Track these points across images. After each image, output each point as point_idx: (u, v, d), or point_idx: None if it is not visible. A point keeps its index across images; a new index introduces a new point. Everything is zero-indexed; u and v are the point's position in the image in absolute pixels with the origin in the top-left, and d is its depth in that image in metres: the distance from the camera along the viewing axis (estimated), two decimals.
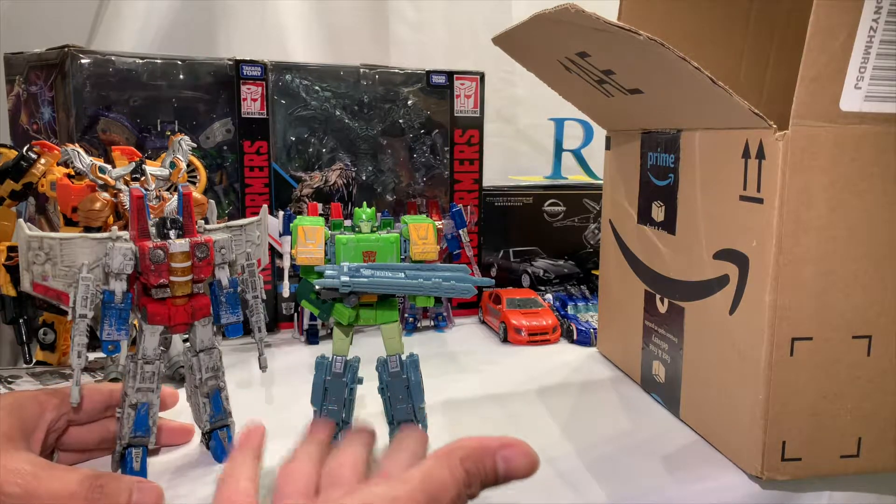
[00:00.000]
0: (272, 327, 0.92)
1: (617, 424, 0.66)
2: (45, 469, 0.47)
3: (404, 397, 0.58)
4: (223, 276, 0.56)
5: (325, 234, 0.56)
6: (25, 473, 0.46)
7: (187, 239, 0.53)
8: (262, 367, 0.58)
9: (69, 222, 0.66)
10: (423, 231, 0.57)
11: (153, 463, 0.56)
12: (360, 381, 0.57)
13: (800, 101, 0.50)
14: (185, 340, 0.57)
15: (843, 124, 0.51)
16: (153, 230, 0.53)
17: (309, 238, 0.55)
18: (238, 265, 0.57)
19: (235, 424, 0.59)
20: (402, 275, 0.54)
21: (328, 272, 0.53)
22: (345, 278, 0.52)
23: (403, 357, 0.58)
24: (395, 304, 0.57)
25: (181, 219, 0.53)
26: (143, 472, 0.54)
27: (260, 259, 0.59)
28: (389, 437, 0.60)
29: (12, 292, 0.68)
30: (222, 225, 0.57)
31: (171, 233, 0.53)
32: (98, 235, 0.52)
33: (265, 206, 0.62)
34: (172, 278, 0.52)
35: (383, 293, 0.55)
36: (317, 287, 0.53)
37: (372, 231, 0.57)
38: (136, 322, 0.55)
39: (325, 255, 0.55)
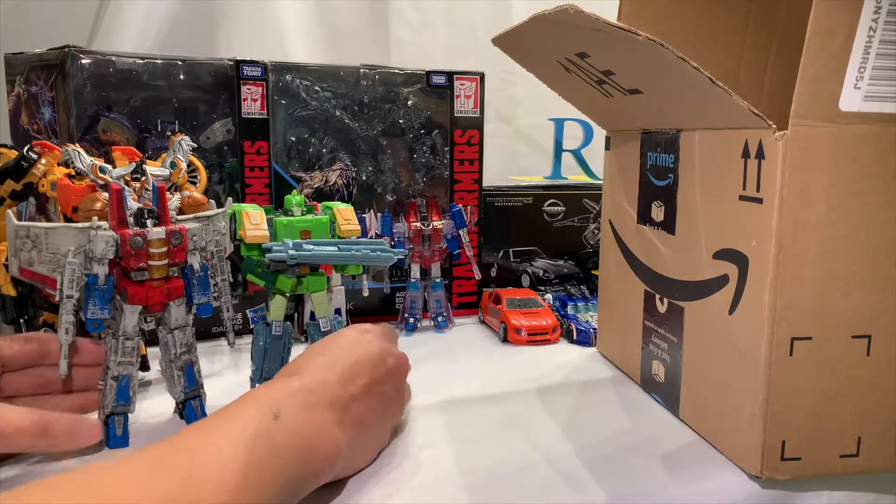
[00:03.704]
0: None
1: (617, 424, 0.66)
2: (2, 405, 0.54)
3: None
4: (195, 260, 0.61)
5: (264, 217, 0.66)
6: None
7: (163, 227, 0.59)
8: (231, 344, 0.66)
9: (70, 222, 0.66)
10: (347, 214, 0.70)
11: (133, 431, 0.60)
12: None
13: (799, 101, 0.50)
14: (158, 320, 0.63)
15: (842, 124, 0.51)
16: (131, 220, 0.58)
17: (254, 220, 0.65)
18: (207, 252, 0.63)
19: (206, 395, 0.65)
20: (336, 248, 0.65)
21: (275, 248, 0.64)
22: (292, 252, 0.63)
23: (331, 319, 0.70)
24: (323, 275, 0.69)
25: (157, 209, 0.59)
26: (125, 437, 0.59)
27: (226, 247, 0.66)
28: None
29: (12, 292, 0.68)
30: (192, 216, 0.63)
31: (148, 222, 0.58)
32: (80, 225, 0.57)
33: (230, 199, 0.67)
34: (150, 262, 0.58)
35: (323, 263, 0.68)
36: (266, 260, 0.64)
37: (303, 214, 0.69)
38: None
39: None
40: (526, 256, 1.07)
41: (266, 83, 0.88)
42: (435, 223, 0.93)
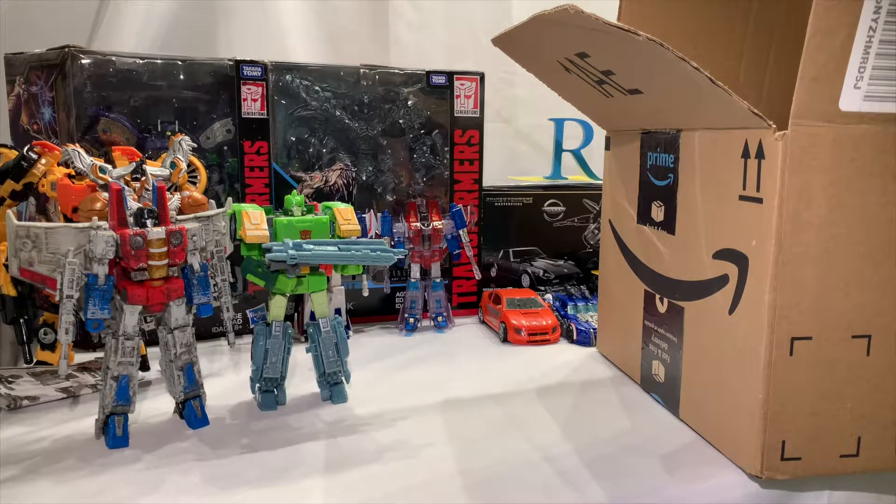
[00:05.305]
0: None
1: (617, 424, 0.66)
2: None
3: (334, 352, 0.69)
4: (195, 261, 0.61)
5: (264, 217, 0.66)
6: None
7: (163, 227, 0.59)
8: (231, 344, 0.66)
9: (70, 222, 0.66)
10: (346, 214, 0.70)
11: (133, 431, 0.61)
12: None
13: (799, 100, 0.50)
14: (158, 320, 0.63)
15: (842, 124, 0.51)
16: (131, 220, 0.58)
17: (254, 220, 0.65)
18: (207, 251, 0.63)
19: (206, 395, 0.66)
20: (336, 248, 0.65)
21: (275, 248, 0.63)
22: (292, 252, 0.63)
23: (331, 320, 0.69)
24: (323, 275, 0.69)
25: (157, 209, 0.59)
26: (125, 437, 0.59)
27: (226, 247, 0.66)
28: (319, 386, 0.71)
29: (12, 292, 0.68)
30: (192, 216, 0.63)
31: (148, 222, 0.58)
32: (80, 224, 0.57)
33: (230, 199, 0.67)
34: (150, 262, 0.58)
35: (323, 263, 0.67)
36: (266, 260, 0.63)
37: (302, 215, 0.69)
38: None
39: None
40: (526, 256, 1.07)
41: (266, 83, 0.88)
42: (435, 223, 0.93)
